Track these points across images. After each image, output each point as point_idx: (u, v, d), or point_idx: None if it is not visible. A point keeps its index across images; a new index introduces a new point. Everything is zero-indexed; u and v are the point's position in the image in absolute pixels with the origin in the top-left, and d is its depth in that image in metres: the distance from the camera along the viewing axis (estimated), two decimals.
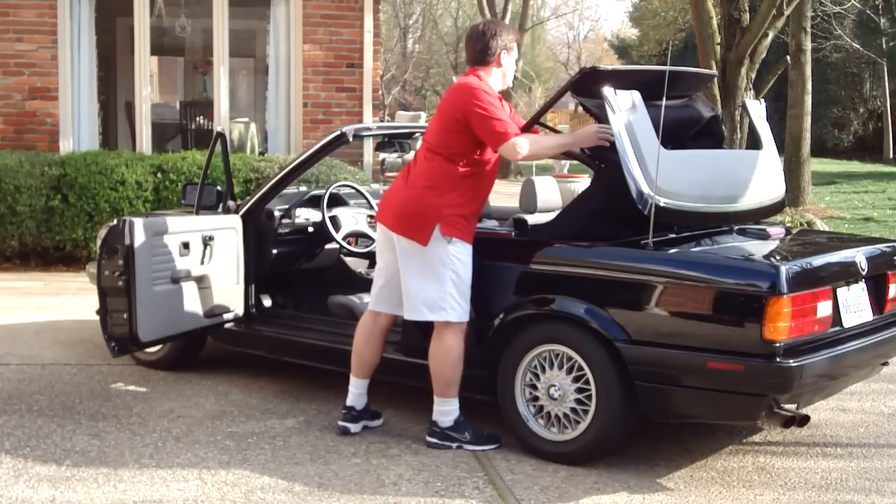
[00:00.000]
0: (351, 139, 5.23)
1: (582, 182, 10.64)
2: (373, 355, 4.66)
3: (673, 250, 4.35)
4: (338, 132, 5.24)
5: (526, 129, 4.70)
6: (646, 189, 4.26)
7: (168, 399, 5.22)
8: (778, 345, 3.90)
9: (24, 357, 6.01)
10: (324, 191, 5.93)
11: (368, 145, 10.23)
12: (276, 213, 5.70)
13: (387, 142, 9.17)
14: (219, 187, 5.59)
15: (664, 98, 4.32)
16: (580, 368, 4.29)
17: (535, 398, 4.43)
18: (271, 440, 4.61)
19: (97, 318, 5.14)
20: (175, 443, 4.55)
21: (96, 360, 5.93)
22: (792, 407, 4.08)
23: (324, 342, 5.17)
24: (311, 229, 5.93)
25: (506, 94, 4.73)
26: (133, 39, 9.87)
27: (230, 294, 5.37)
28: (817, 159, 23.16)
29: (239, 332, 5.53)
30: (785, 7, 12.43)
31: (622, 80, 4.47)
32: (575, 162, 4.71)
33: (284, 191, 5.68)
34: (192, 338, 5.50)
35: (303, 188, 6.46)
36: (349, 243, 5.89)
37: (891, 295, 4.63)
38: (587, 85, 4.50)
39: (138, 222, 4.84)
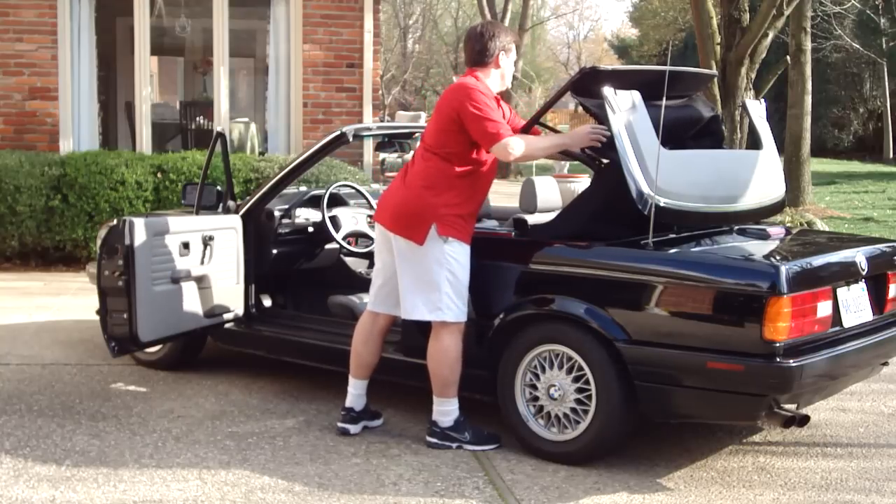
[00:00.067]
0: (351, 139, 5.23)
1: (582, 182, 10.63)
2: (371, 356, 4.66)
3: (673, 250, 4.35)
4: (338, 132, 5.24)
5: (526, 129, 4.71)
6: (646, 189, 4.26)
7: (168, 399, 5.22)
8: (778, 345, 3.90)
9: (24, 357, 6.01)
10: (324, 191, 5.93)
11: (368, 145, 10.24)
12: (276, 213, 5.70)
13: (387, 142, 9.19)
14: (219, 187, 5.59)
15: (664, 98, 4.32)
16: (580, 368, 4.29)
17: (535, 398, 4.43)
18: (271, 440, 4.61)
19: (97, 318, 5.14)
20: (175, 443, 4.55)
21: (96, 360, 5.93)
22: (792, 407, 4.08)
23: (324, 342, 5.17)
24: (311, 229, 5.93)
25: (506, 95, 4.74)
26: (133, 39, 9.87)
27: (230, 294, 5.37)
28: (817, 159, 23.17)
29: (239, 332, 5.53)
30: (785, 7, 12.44)
31: (622, 80, 4.48)
32: (575, 162, 4.71)
33: (284, 191, 5.68)
34: (192, 338, 5.50)
35: (303, 188, 6.46)
36: (349, 243, 5.89)
37: (891, 295, 4.63)
38: (587, 85, 4.50)
39: (138, 222, 4.84)
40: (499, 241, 4.71)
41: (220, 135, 5.57)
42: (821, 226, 11.53)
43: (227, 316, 5.37)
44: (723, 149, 5.36)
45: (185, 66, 16.75)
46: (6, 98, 9.61)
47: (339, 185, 6.14)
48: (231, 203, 5.57)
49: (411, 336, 4.70)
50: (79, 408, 5.04)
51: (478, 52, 4.50)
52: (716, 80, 12.14)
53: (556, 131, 6.35)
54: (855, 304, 4.36)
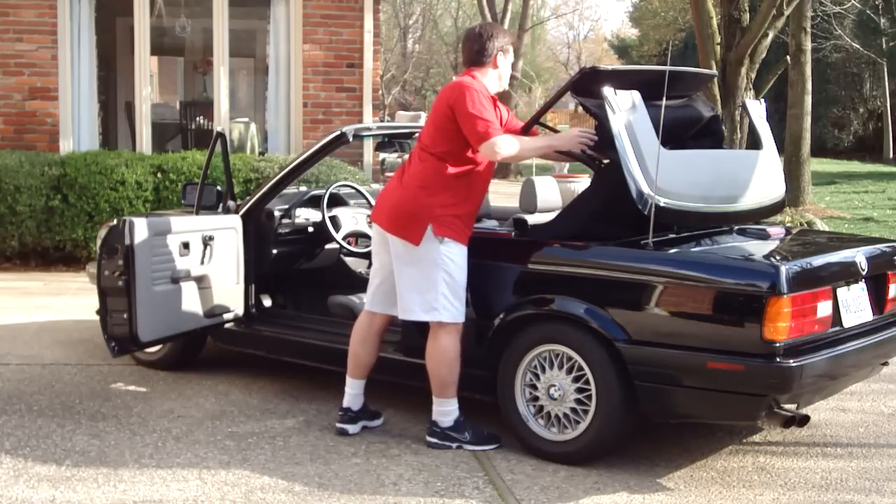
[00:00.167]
0: (351, 139, 5.24)
1: (582, 182, 10.62)
2: (369, 356, 4.67)
3: (673, 250, 4.35)
4: (338, 132, 5.25)
5: (526, 129, 4.72)
6: (646, 189, 4.26)
7: (168, 399, 5.22)
8: (778, 345, 3.90)
9: (24, 357, 6.01)
10: (324, 191, 5.93)
11: (368, 145, 10.24)
12: (276, 213, 5.70)
13: (387, 142, 9.20)
14: (219, 187, 5.59)
15: (664, 98, 4.32)
16: (580, 368, 4.29)
17: (535, 398, 4.43)
18: (271, 440, 4.61)
19: (97, 318, 5.14)
20: (175, 443, 4.55)
21: (96, 360, 5.93)
22: (792, 407, 4.08)
23: (324, 342, 5.17)
24: (311, 229, 5.93)
25: (506, 95, 4.74)
26: (133, 39, 9.87)
27: (230, 294, 5.37)
28: (817, 159, 23.17)
29: (239, 332, 5.53)
30: (785, 7, 12.44)
31: (622, 80, 4.48)
32: (575, 162, 4.71)
33: (284, 191, 5.68)
34: (192, 338, 5.50)
35: (303, 188, 6.46)
36: (349, 243, 5.89)
37: (891, 295, 4.63)
38: (587, 85, 4.50)
39: (138, 222, 4.84)
40: (499, 241, 4.71)
41: (220, 135, 5.57)
42: (821, 226, 11.53)
43: (227, 316, 5.37)
44: (723, 149, 5.36)
45: (185, 66, 16.75)
46: (6, 98, 9.61)
47: (339, 185, 6.14)
48: (231, 203, 5.57)
49: (411, 336, 4.70)
50: (79, 408, 5.04)
51: (476, 52, 4.51)
52: (716, 80, 12.14)
53: (556, 131, 6.36)
54: (855, 304, 4.36)
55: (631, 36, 44.15)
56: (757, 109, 5.11)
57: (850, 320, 4.31)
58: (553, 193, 4.99)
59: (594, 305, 4.25)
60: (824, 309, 4.14)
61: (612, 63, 34.61)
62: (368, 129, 5.75)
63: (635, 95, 4.41)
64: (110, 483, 4.06)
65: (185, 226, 5.13)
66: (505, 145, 4.30)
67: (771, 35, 12.65)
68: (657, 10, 34.37)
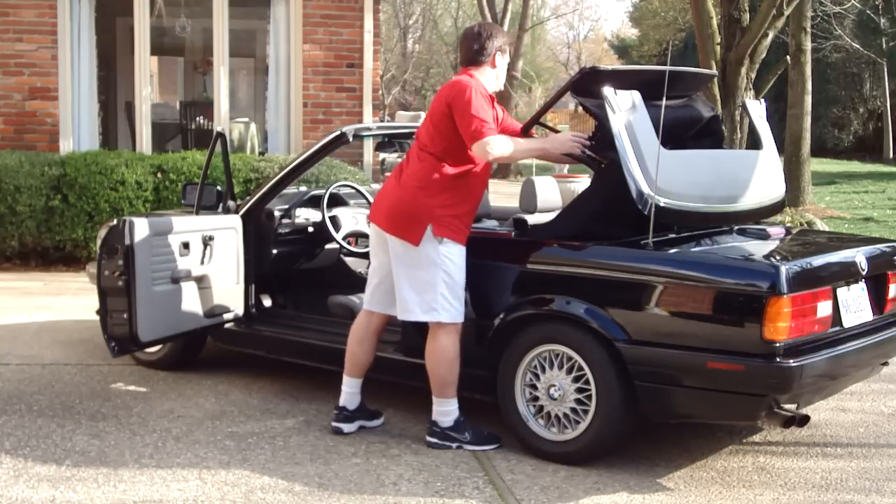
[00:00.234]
0: (351, 139, 5.24)
1: (582, 182, 10.62)
2: (366, 355, 4.67)
3: (673, 250, 4.35)
4: (338, 132, 5.25)
5: (526, 129, 4.72)
6: (646, 189, 4.26)
7: (168, 399, 5.22)
8: (778, 345, 3.90)
9: (24, 357, 6.01)
10: (324, 191, 5.93)
11: (368, 145, 10.24)
12: (276, 213, 5.70)
13: (387, 142, 9.19)
14: (219, 187, 5.59)
15: (664, 98, 4.32)
16: (580, 368, 4.29)
17: (535, 398, 4.43)
18: (271, 440, 4.61)
19: (97, 318, 5.14)
20: (175, 443, 4.55)
21: (96, 360, 5.93)
22: (792, 407, 4.08)
23: (324, 342, 5.17)
24: (311, 229, 5.93)
25: (506, 95, 4.74)
26: (133, 39, 9.87)
27: (230, 294, 5.37)
28: (817, 159, 23.17)
29: (239, 332, 5.53)
30: (785, 7, 12.43)
31: (622, 80, 4.48)
32: (575, 163, 4.71)
33: (284, 191, 5.68)
34: (192, 338, 5.50)
35: (303, 188, 6.46)
36: (349, 243, 5.89)
37: (891, 295, 4.63)
38: (587, 85, 4.50)
39: (138, 222, 4.84)
40: (499, 241, 4.71)
41: (220, 135, 5.57)
42: (821, 226, 11.53)
43: (227, 316, 5.37)
44: (723, 149, 5.36)
45: (185, 66, 16.75)
46: (6, 98, 9.61)
47: (339, 185, 6.14)
48: (231, 203, 5.57)
49: (410, 336, 4.70)
50: (79, 408, 5.04)
51: (476, 50, 4.51)
52: (716, 80, 12.14)
53: (556, 131, 6.36)
54: (855, 304, 4.36)
55: (631, 36, 44.15)
56: (757, 109, 5.11)
57: (850, 320, 4.31)
58: (553, 193, 4.99)
59: (594, 305, 4.25)
60: (824, 309, 4.14)
61: (612, 63, 34.60)
62: (368, 129, 5.75)
63: (635, 95, 4.41)
64: (110, 483, 4.06)
65: (185, 226, 5.13)
66: (497, 145, 4.30)
67: (771, 35, 12.64)
68: (657, 10, 34.36)
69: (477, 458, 4.40)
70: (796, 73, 15.65)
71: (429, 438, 4.55)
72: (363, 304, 4.74)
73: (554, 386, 4.35)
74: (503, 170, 22.18)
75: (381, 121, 21.37)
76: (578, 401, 4.30)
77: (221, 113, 10.04)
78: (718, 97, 12.33)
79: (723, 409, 4.15)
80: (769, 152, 4.97)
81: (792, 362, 3.89)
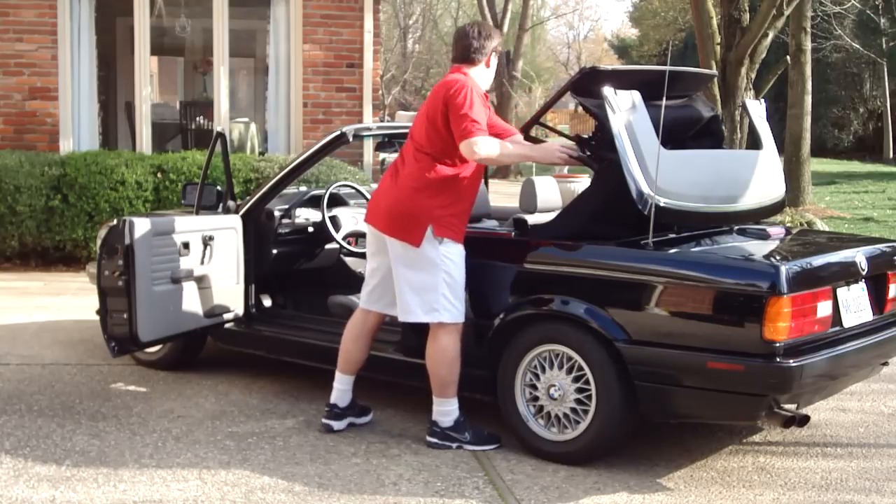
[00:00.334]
0: (351, 139, 5.24)
1: (582, 182, 10.62)
2: (360, 352, 4.69)
3: (673, 250, 4.35)
4: (338, 132, 5.25)
5: (526, 128, 4.73)
6: (646, 189, 4.26)
7: (168, 399, 5.22)
8: (778, 345, 3.90)
9: (24, 357, 6.01)
10: (324, 191, 5.93)
11: (368, 145, 10.23)
12: (276, 213, 5.70)
13: (387, 142, 9.17)
14: (219, 187, 5.59)
15: (664, 98, 4.32)
16: (580, 368, 4.29)
17: (535, 398, 4.43)
18: (271, 440, 4.61)
19: (97, 318, 5.14)
20: (175, 443, 4.55)
21: (96, 360, 5.93)
22: (792, 407, 4.08)
23: (324, 342, 5.17)
24: (311, 229, 5.93)
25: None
26: (133, 39, 9.87)
27: (230, 294, 5.37)
28: (817, 159, 23.16)
29: (239, 332, 5.53)
30: (785, 7, 12.43)
31: (622, 80, 4.48)
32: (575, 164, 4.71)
33: (284, 191, 5.68)
34: (192, 338, 5.50)
35: (303, 188, 6.46)
36: (349, 243, 5.89)
37: (891, 295, 4.63)
38: (587, 85, 4.51)
39: (138, 222, 4.84)
40: (499, 241, 4.71)
41: (220, 135, 5.57)
42: (821, 226, 11.52)
43: (227, 316, 5.37)
44: (723, 149, 5.36)
45: (185, 66, 16.75)
46: (6, 98, 9.61)
47: (339, 185, 6.14)
48: (231, 203, 5.57)
49: (410, 336, 4.70)
50: (79, 408, 5.04)
51: (475, 49, 4.51)
52: (716, 80, 12.14)
53: (556, 131, 6.39)
54: (855, 304, 4.36)
55: (631, 36, 44.14)
56: (757, 109, 5.11)
57: (850, 320, 4.31)
58: (553, 193, 4.99)
59: (594, 305, 4.25)
60: (824, 309, 4.14)
61: (612, 63, 34.60)
62: (368, 129, 5.75)
63: (635, 95, 4.41)
64: (110, 483, 4.06)
65: (185, 226, 5.13)
66: (484, 146, 4.29)
67: (771, 35, 12.64)
68: (657, 10, 34.34)
69: (477, 458, 4.40)
70: (796, 73, 15.64)
71: (429, 438, 4.55)
72: (360, 302, 4.74)
73: (554, 386, 4.35)
74: (503, 170, 22.17)
75: (381, 121, 21.37)
76: (578, 401, 4.30)
77: (221, 113, 10.04)
78: (718, 97, 12.32)
79: (723, 409, 4.15)
80: (769, 152, 4.97)
81: (792, 362, 3.89)
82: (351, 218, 6.00)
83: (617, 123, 4.31)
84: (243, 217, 5.47)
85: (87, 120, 9.88)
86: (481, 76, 4.54)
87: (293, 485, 4.07)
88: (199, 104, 13.11)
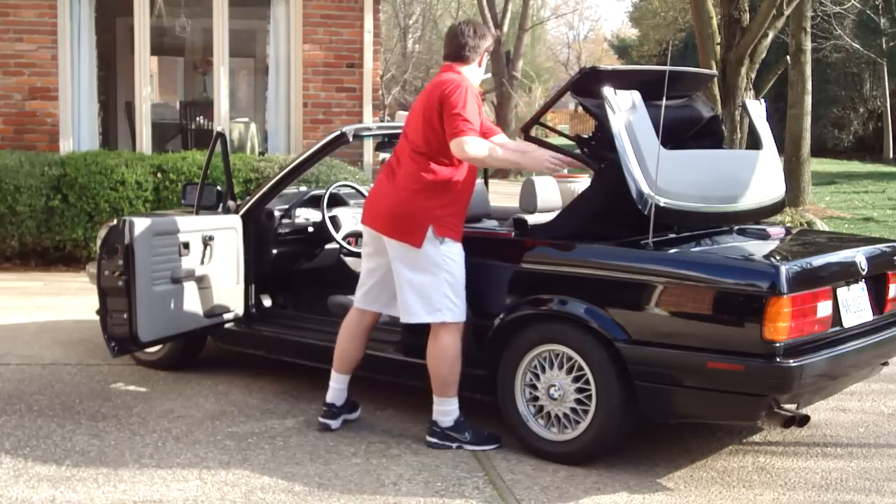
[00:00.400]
0: (351, 139, 5.24)
1: (582, 182, 10.63)
2: (356, 352, 4.71)
3: (673, 250, 4.35)
4: (338, 132, 5.25)
5: (526, 128, 4.72)
6: (646, 189, 4.26)
7: (168, 399, 5.22)
8: (778, 345, 3.90)
9: (24, 357, 6.01)
10: (324, 191, 5.93)
11: (368, 145, 10.23)
12: (276, 213, 5.70)
13: (387, 142, 9.17)
14: (219, 187, 5.59)
15: (664, 98, 4.32)
16: (580, 368, 4.29)
17: (535, 398, 4.43)
18: (271, 440, 4.61)
19: (97, 318, 5.14)
20: (175, 443, 4.55)
21: (96, 360, 5.93)
22: (792, 407, 4.08)
23: (324, 342, 5.16)
24: (311, 229, 5.93)
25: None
26: (133, 39, 9.87)
27: (230, 294, 5.37)
28: (817, 159, 23.15)
29: (239, 332, 5.53)
30: (785, 7, 12.43)
31: (622, 80, 4.48)
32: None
33: (284, 191, 5.68)
34: (192, 338, 5.50)
35: (303, 188, 6.46)
36: (349, 243, 5.89)
37: (891, 295, 4.63)
38: (587, 85, 4.50)
39: (138, 222, 4.84)
40: (499, 241, 4.71)
41: (220, 135, 5.57)
42: (821, 226, 11.52)
43: (227, 316, 5.37)
44: (723, 149, 5.36)
45: (185, 66, 16.74)
46: (6, 98, 9.61)
47: (339, 185, 6.14)
48: (231, 203, 5.57)
49: (410, 336, 4.70)
50: (79, 408, 5.04)
51: (471, 47, 4.52)
52: (716, 80, 12.14)
53: (556, 131, 6.39)
54: (855, 304, 4.36)
55: (631, 36, 44.14)
56: (757, 109, 5.11)
57: (850, 320, 4.31)
58: (553, 193, 4.99)
59: (594, 305, 4.25)
60: (824, 309, 4.14)
61: (612, 63, 34.60)
62: (368, 129, 5.75)
63: (635, 95, 4.41)
64: (110, 483, 4.06)
65: (185, 226, 5.13)
66: (473, 146, 4.29)
67: (771, 35, 12.63)
68: (657, 10, 34.34)
69: (477, 458, 4.40)
70: (796, 73, 15.64)
71: (429, 438, 4.55)
72: (355, 302, 4.74)
73: (554, 386, 4.35)
74: (503, 170, 22.17)
75: (381, 121, 21.36)
76: (578, 401, 4.30)
77: (221, 113, 10.03)
78: (718, 97, 12.32)
79: (723, 409, 4.15)
80: (769, 152, 4.97)
81: (792, 362, 3.89)
82: (351, 218, 6.00)
83: (617, 123, 4.31)
84: (243, 217, 5.47)
85: (87, 120, 9.88)
86: (474, 75, 4.55)
87: (293, 485, 4.07)
88: (199, 104, 13.11)
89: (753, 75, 12.69)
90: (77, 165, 8.84)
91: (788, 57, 15.25)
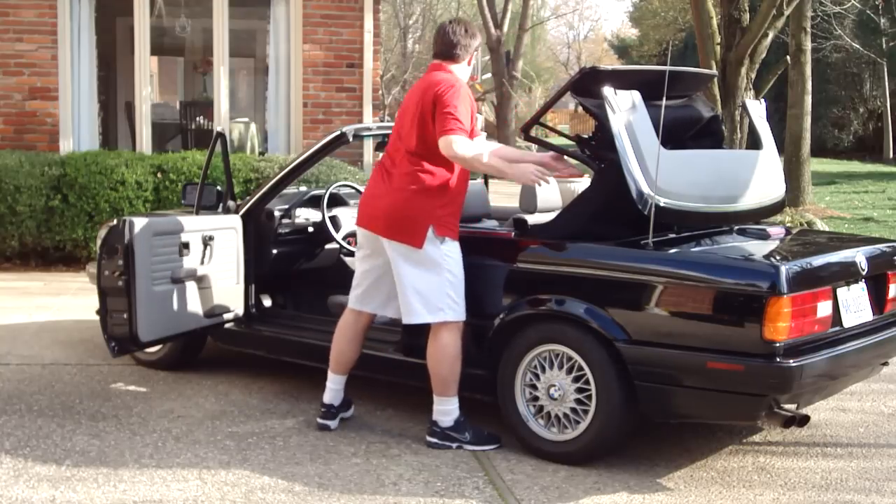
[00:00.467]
0: (351, 139, 5.24)
1: (582, 182, 10.61)
2: (354, 353, 4.73)
3: (673, 250, 4.35)
4: (338, 132, 5.25)
5: (526, 128, 4.73)
6: (646, 189, 4.26)
7: (168, 399, 5.22)
8: (778, 345, 3.90)
9: (24, 357, 6.01)
10: (324, 191, 5.93)
11: (368, 145, 10.23)
12: (276, 213, 5.70)
13: (387, 142, 9.17)
14: (219, 187, 5.59)
15: (664, 98, 4.32)
16: (580, 368, 4.29)
17: (535, 398, 4.43)
18: (271, 440, 4.61)
19: (97, 318, 5.14)
20: (175, 443, 4.55)
21: (96, 360, 5.93)
22: (792, 407, 4.08)
23: (324, 342, 5.16)
24: (311, 229, 5.93)
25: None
26: (133, 39, 9.87)
27: (230, 294, 5.37)
28: (817, 159, 23.14)
29: (239, 332, 5.53)
30: (785, 7, 12.42)
31: (622, 80, 4.48)
32: (575, 162, 4.71)
33: (284, 191, 5.68)
34: (192, 338, 5.50)
35: (303, 188, 6.46)
36: (349, 243, 5.89)
37: (891, 295, 4.63)
38: (587, 85, 4.50)
39: (138, 222, 4.84)
40: (499, 241, 4.71)
41: (220, 135, 5.57)
42: (821, 226, 11.52)
43: (227, 316, 5.37)
44: (723, 149, 5.36)
45: (185, 66, 16.74)
46: (6, 98, 9.61)
47: (339, 185, 6.14)
48: (231, 203, 5.57)
49: (411, 336, 4.70)
50: (79, 408, 5.04)
51: (462, 46, 4.53)
52: (716, 80, 12.13)
53: (556, 131, 6.39)
54: (855, 304, 4.36)
55: (631, 36, 44.15)
56: (757, 109, 5.11)
57: (850, 320, 4.31)
58: (553, 193, 4.99)
59: (594, 305, 4.25)
60: (824, 309, 4.14)
61: (612, 63, 34.60)
62: (368, 129, 5.75)
63: (635, 95, 4.41)
64: (110, 483, 4.06)
65: (185, 226, 5.13)
66: (461, 145, 4.28)
67: (771, 35, 12.63)
68: (657, 10, 34.35)
69: (477, 458, 4.40)
70: (796, 73, 15.64)
71: (429, 438, 4.55)
72: (349, 303, 4.74)
73: (554, 386, 4.35)
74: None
75: (381, 121, 21.36)
76: (578, 401, 4.30)
77: (221, 113, 10.03)
78: (718, 97, 12.32)
79: (723, 409, 4.15)
80: (769, 152, 4.97)
81: (792, 362, 3.89)
82: (351, 218, 5.98)
83: (617, 123, 4.31)
84: (243, 217, 5.47)
85: (87, 120, 9.88)
86: (462, 73, 4.56)
87: (293, 485, 4.07)
88: (199, 104, 13.11)
89: (753, 75, 12.68)
90: (77, 165, 8.84)
91: (788, 57, 15.25)
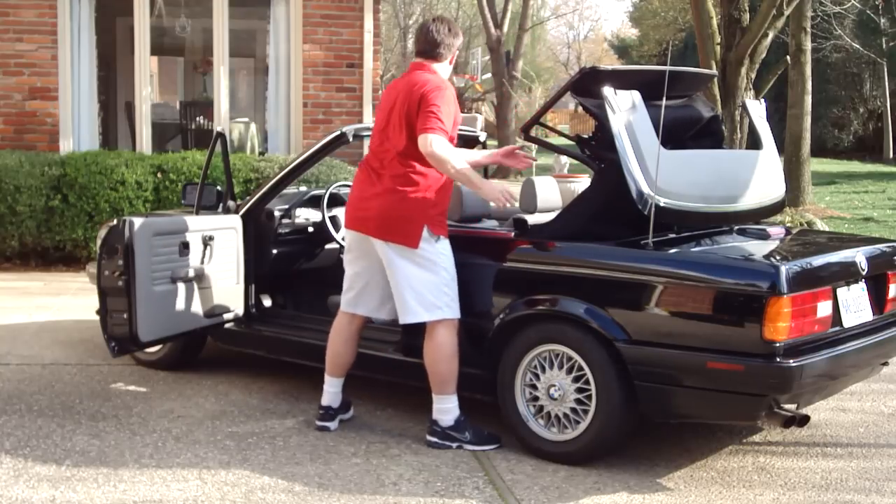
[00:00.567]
0: (351, 139, 5.25)
1: (582, 182, 10.61)
2: (350, 355, 4.73)
3: (673, 250, 4.35)
4: (338, 132, 5.25)
5: (526, 128, 4.73)
6: (646, 189, 4.26)
7: (168, 399, 5.22)
8: (778, 345, 3.90)
9: (24, 357, 6.01)
10: (324, 191, 5.93)
11: (368, 145, 10.22)
12: (276, 213, 5.70)
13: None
14: (219, 187, 5.59)
15: (664, 98, 4.32)
16: (580, 368, 4.29)
17: (535, 398, 4.43)
18: (271, 440, 4.61)
19: (97, 318, 5.14)
20: (175, 443, 4.55)
21: (96, 360, 5.93)
22: (792, 407, 4.08)
23: (324, 342, 5.16)
24: (311, 229, 5.94)
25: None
26: (133, 39, 9.87)
27: (230, 294, 5.37)
28: (817, 159, 23.14)
29: (239, 332, 5.53)
30: (785, 7, 12.43)
31: (622, 80, 4.48)
32: (575, 162, 4.71)
33: (284, 191, 5.68)
34: (192, 338, 5.50)
35: (303, 188, 6.46)
36: None
37: (891, 295, 4.63)
38: (587, 85, 4.51)
39: (138, 222, 4.84)
40: (499, 241, 4.71)
41: (220, 135, 5.57)
42: (821, 226, 11.52)
43: (227, 316, 5.37)
44: (723, 149, 5.36)
45: (185, 66, 16.74)
46: (6, 98, 9.61)
47: (339, 185, 6.14)
48: (231, 203, 5.57)
49: (410, 336, 4.70)
50: (79, 408, 5.04)
51: (445, 45, 4.53)
52: (716, 80, 12.14)
53: (556, 131, 6.39)
54: (855, 304, 4.36)
55: (631, 36, 44.15)
56: (757, 109, 5.11)
57: (850, 320, 4.31)
58: (553, 193, 4.99)
59: (594, 305, 4.25)
60: (824, 309, 4.14)
61: (612, 63, 34.60)
62: (368, 129, 5.74)
63: (635, 95, 4.41)
64: (110, 483, 4.06)
65: (184, 226, 5.13)
66: (438, 145, 4.26)
67: (771, 35, 12.63)
68: (657, 10, 34.34)
69: (477, 458, 4.40)
70: (796, 73, 15.64)
71: (429, 438, 4.55)
72: (342, 306, 4.73)
73: (554, 386, 4.35)
74: (504, 169, 22.16)
75: None
76: (578, 401, 4.30)
77: (221, 113, 10.04)
78: (718, 97, 12.32)
79: (723, 409, 4.15)
80: (769, 152, 4.97)
81: (792, 362, 3.89)
82: None
83: (617, 123, 4.31)
84: (243, 217, 5.47)
85: (87, 120, 9.88)
86: (445, 72, 4.56)
87: (293, 485, 4.07)
88: (199, 104, 13.10)
89: (753, 75, 12.69)
90: (77, 165, 8.84)
91: (788, 57, 15.25)
